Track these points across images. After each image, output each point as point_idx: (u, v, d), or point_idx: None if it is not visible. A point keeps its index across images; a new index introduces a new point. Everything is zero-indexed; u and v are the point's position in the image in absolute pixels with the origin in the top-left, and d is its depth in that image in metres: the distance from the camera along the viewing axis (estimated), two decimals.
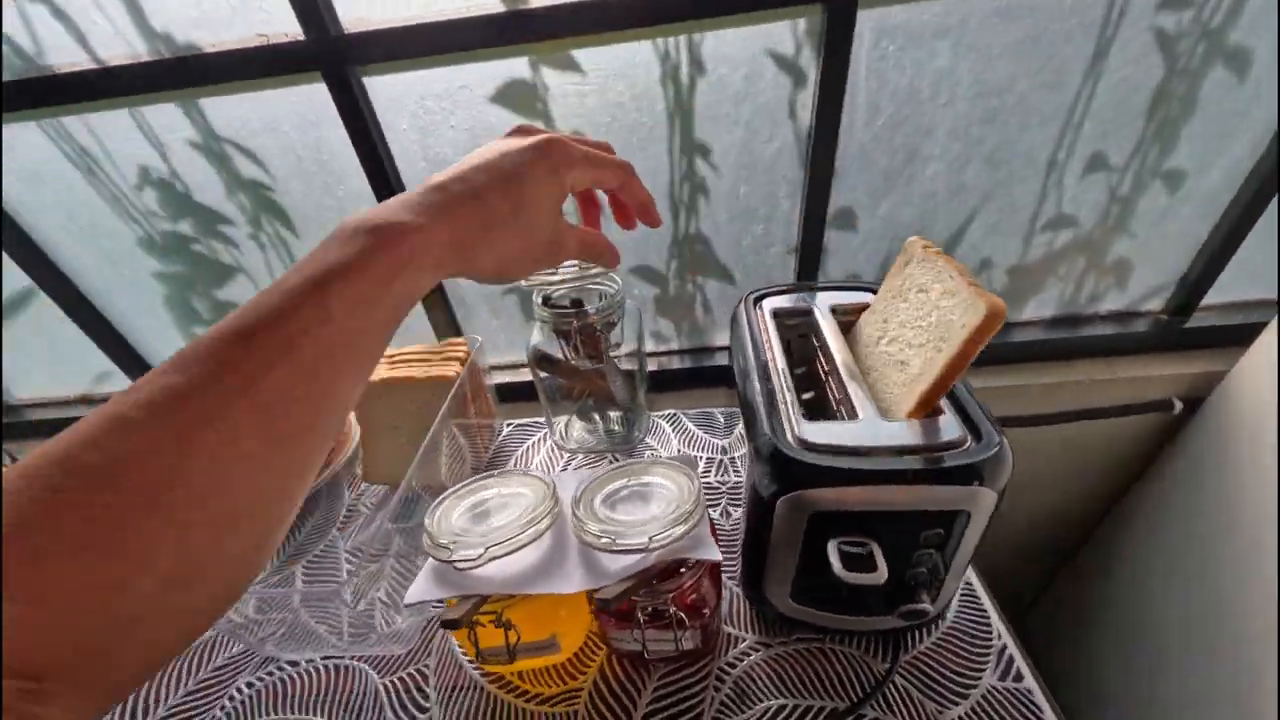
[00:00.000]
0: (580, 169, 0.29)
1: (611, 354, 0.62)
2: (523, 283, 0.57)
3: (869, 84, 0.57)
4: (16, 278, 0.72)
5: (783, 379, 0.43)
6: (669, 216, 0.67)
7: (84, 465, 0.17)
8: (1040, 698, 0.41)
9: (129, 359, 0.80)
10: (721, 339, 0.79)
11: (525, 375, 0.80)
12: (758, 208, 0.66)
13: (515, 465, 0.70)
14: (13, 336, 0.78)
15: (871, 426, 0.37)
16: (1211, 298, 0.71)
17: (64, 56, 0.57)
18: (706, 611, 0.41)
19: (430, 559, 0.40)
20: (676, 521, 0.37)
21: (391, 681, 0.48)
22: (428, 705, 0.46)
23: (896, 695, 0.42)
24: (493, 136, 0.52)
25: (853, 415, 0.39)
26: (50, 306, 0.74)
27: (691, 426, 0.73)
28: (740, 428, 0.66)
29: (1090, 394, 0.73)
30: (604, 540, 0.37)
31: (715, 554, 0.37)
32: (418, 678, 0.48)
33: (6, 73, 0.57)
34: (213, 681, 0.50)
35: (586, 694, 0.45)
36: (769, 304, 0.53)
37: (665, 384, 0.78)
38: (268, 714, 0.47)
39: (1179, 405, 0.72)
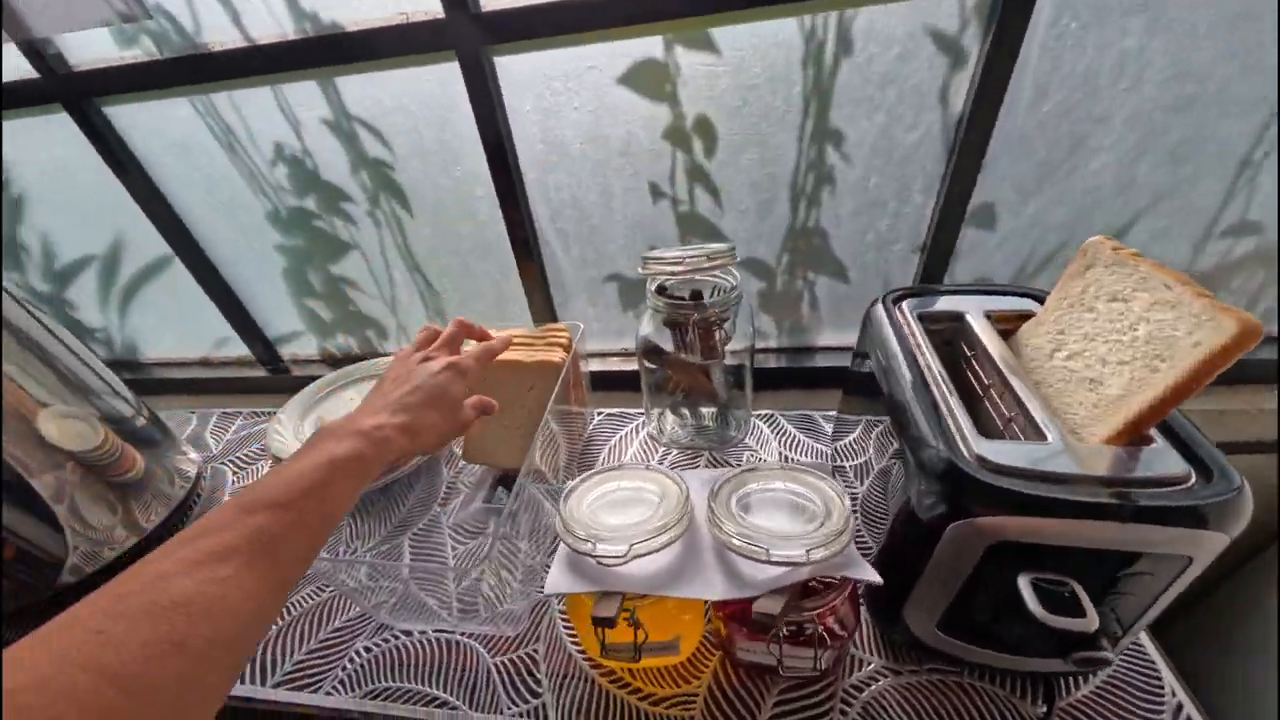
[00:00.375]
0: (473, 372, 0.42)
1: (723, 351, 0.59)
2: (639, 269, 0.55)
3: (1040, 65, 0.51)
4: (157, 245, 0.77)
5: (944, 389, 0.39)
6: (788, 206, 0.63)
7: (125, 612, 0.22)
8: None
9: (247, 325, 0.85)
10: (826, 339, 0.75)
11: (616, 365, 0.79)
12: (887, 201, 0.61)
13: (609, 456, 0.70)
14: (148, 300, 0.85)
15: (1066, 451, 0.33)
16: None
17: (219, 35, 0.59)
18: (845, 634, 0.39)
19: (563, 549, 0.40)
20: (832, 537, 0.35)
21: (502, 662, 0.48)
22: (540, 691, 0.46)
23: None
24: (616, 120, 0.57)
25: (1034, 436, 0.35)
26: (183, 274, 0.79)
27: (791, 429, 0.69)
28: (857, 433, 0.62)
29: (1257, 424, 0.64)
30: (751, 548, 0.35)
31: (873, 576, 0.35)
32: (528, 661, 0.48)
33: (166, 49, 0.61)
34: (333, 642, 0.52)
35: (702, 699, 0.44)
36: (911, 306, 0.49)
37: (763, 383, 0.75)
38: (386, 679, 0.48)
39: None
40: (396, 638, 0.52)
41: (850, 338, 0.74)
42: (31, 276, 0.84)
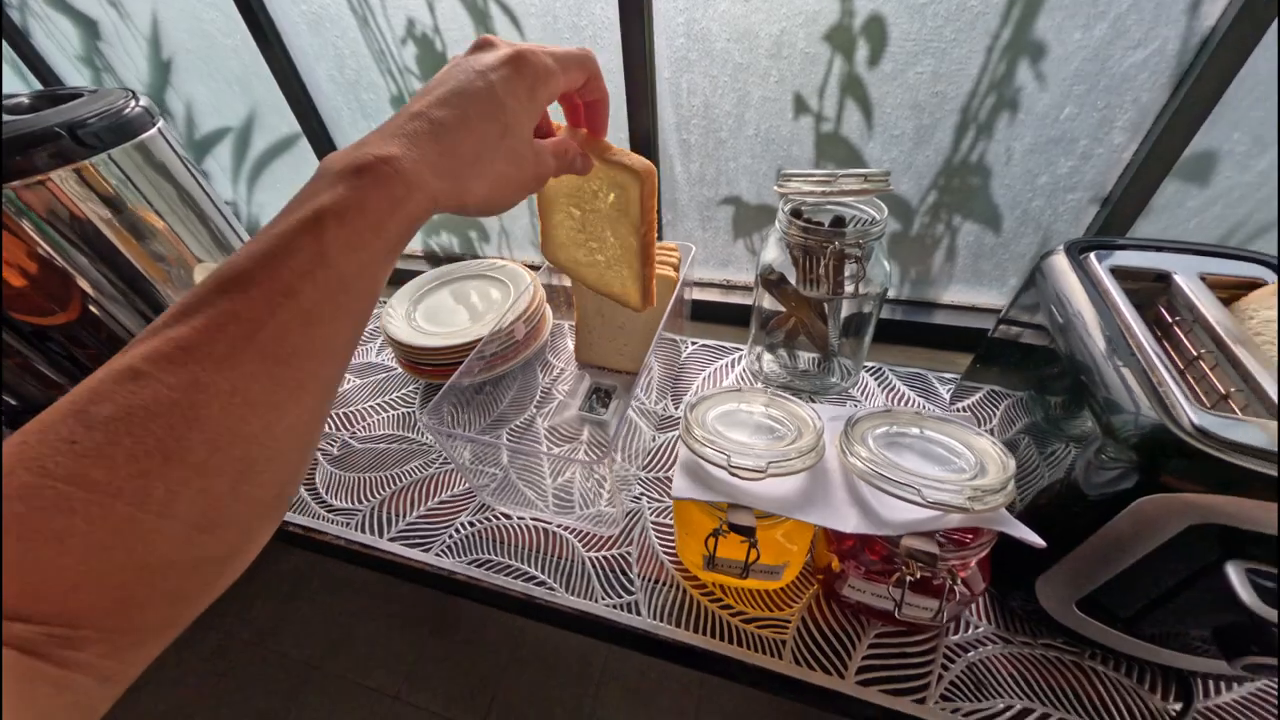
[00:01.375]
0: (554, 81, 0.27)
1: (845, 290, 0.55)
2: (775, 187, 0.51)
3: None
4: (288, 121, 0.79)
5: (1151, 353, 0.34)
6: (950, 135, 0.56)
7: (100, 418, 0.17)
8: None
9: None
10: (954, 295, 0.68)
11: (715, 295, 0.76)
12: (1078, 138, 0.53)
13: (702, 386, 0.69)
14: (275, 177, 0.88)
15: None
16: None
17: None
18: (971, 592, 0.37)
19: (686, 456, 0.39)
20: (994, 490, 0.32)
21: (596, 558, 0.50)
22: (633, 589, 0.48)
23: None
24: (774, 13, 0.40)
25: (1260, 414, 0.30)
26: (309, 153, 0.81)
27: (902, 386, 0.65)
28: (979, 398, 0.58)
29: None
30: (904, 489, 0.33)
31: (1036, 539, 0.32)
32: (622, 561, 0.50)
33: None
34: (441, 511, 0.56)
35: (795, 627, 0.44)
36: (1102, 260, 0.42)
37: (858, 331, 0.70)
38: (489, 552, 0.52)
39: None
40: (498, 518, 0.55)
41: (984, 297, 0.67)
42: None
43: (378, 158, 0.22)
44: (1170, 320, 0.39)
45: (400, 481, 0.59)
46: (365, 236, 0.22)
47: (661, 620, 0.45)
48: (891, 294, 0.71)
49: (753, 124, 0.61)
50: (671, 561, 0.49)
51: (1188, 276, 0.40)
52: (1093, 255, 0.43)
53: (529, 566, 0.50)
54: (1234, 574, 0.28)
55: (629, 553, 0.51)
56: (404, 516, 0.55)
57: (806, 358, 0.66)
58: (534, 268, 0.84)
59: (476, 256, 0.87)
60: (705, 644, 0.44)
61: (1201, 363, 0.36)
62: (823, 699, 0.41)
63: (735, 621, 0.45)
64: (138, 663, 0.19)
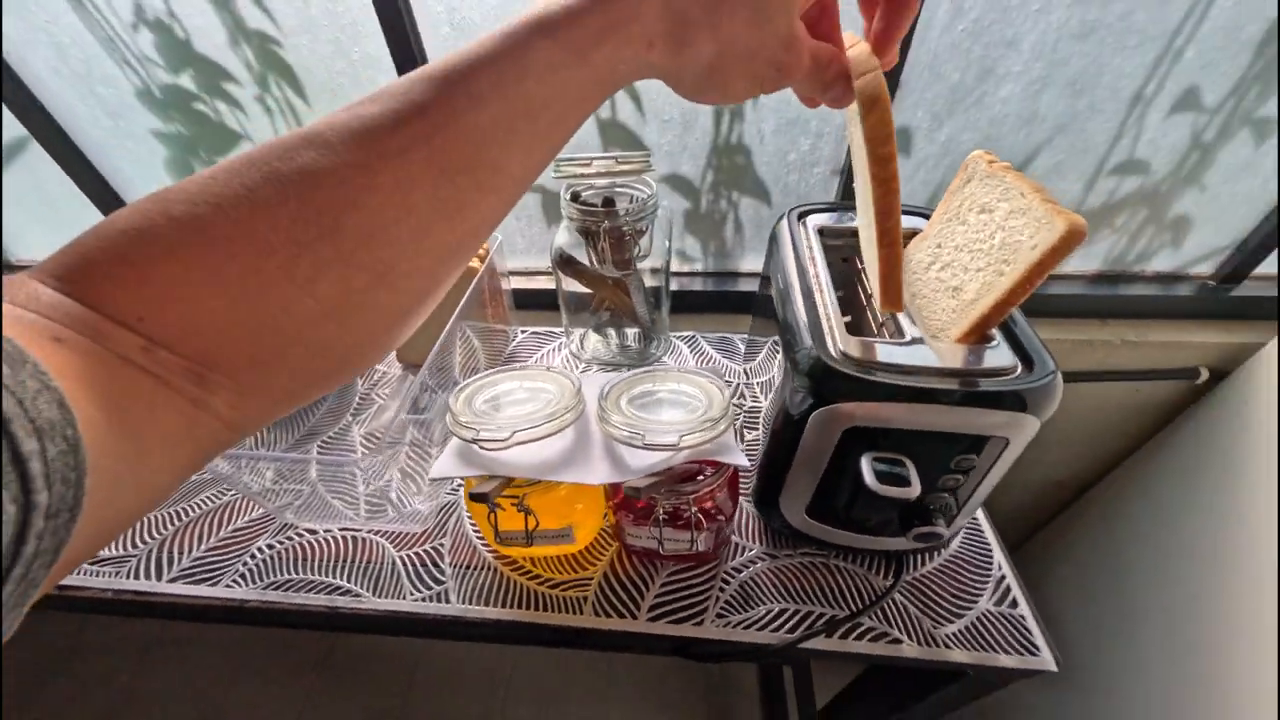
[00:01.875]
0: None
1: (638, 264, 0.59)
2: (551, 173, 0.53)
3: None
4: (10, 125, 0.67)
5: (827, 296, 0.41)
6: (711, 120, 0.62)
7: (278, 173, 0.17)
8: (1034, 627, 0.43)
9: None
10: (749, 264, 0.76)
11: (542, 283, 0.78)
12: (809, 119, 0.61)
13: None
14: (8, 191, 0.74)
15: (918, 347, 0.36)
16: (1267, 267, 0.69)
17: None
18: (722, 518, 0.42)
19: (455, 439, 0.40)
20: (705, 425, 0.37)
21: (407, 555, 0.50)
22: (443, 579, 0.48)
23: (895, 610, 0.44)
24: (529, 3, 0.45)
25: (897, 336, 0.38)
26: (48, 162, 0.69)
27: (710, 350, 0.72)
28: (764, 354, 0.65)
29: (1119, 355, 0.72)
30: (631, 435, 0.36)
31: (741, 459, 0.37)
32: (434, 554, 0.50)
33: None
34: (232, 541, 0.52)
35: (596, 583, 0.47)
36: (814, 221, 0.50)
37: (687, 305, 0.76)
38: (288, 572, 0.49)
39: (1205, 374, 0.71)
40: (301, 536, 0.52)
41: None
42: None
43: None
44: (861, 269, 0.47)
45: (185, 517, 0.54)
46: (568, 56, 0.20)
47: (471, 603, 0.46)
48: (699, 267, 0.77)
49: None
50: (483, 545, 0.50)
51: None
52: (809, 219, 0.50)
53: (333, 578, 0.48)
54: (865, 464, 0.34)
55: (442, 544, 0.51)
56: (188, 553, 0.51)
57: (631, 333, 0.70)
58: None
59: None
60: (512, 615, 0.45)
61: (873, 301, 0.43)
62: (619, 641, 0.44)
63: (542, 589, 0.47)
64: (257, 420, 0.20)
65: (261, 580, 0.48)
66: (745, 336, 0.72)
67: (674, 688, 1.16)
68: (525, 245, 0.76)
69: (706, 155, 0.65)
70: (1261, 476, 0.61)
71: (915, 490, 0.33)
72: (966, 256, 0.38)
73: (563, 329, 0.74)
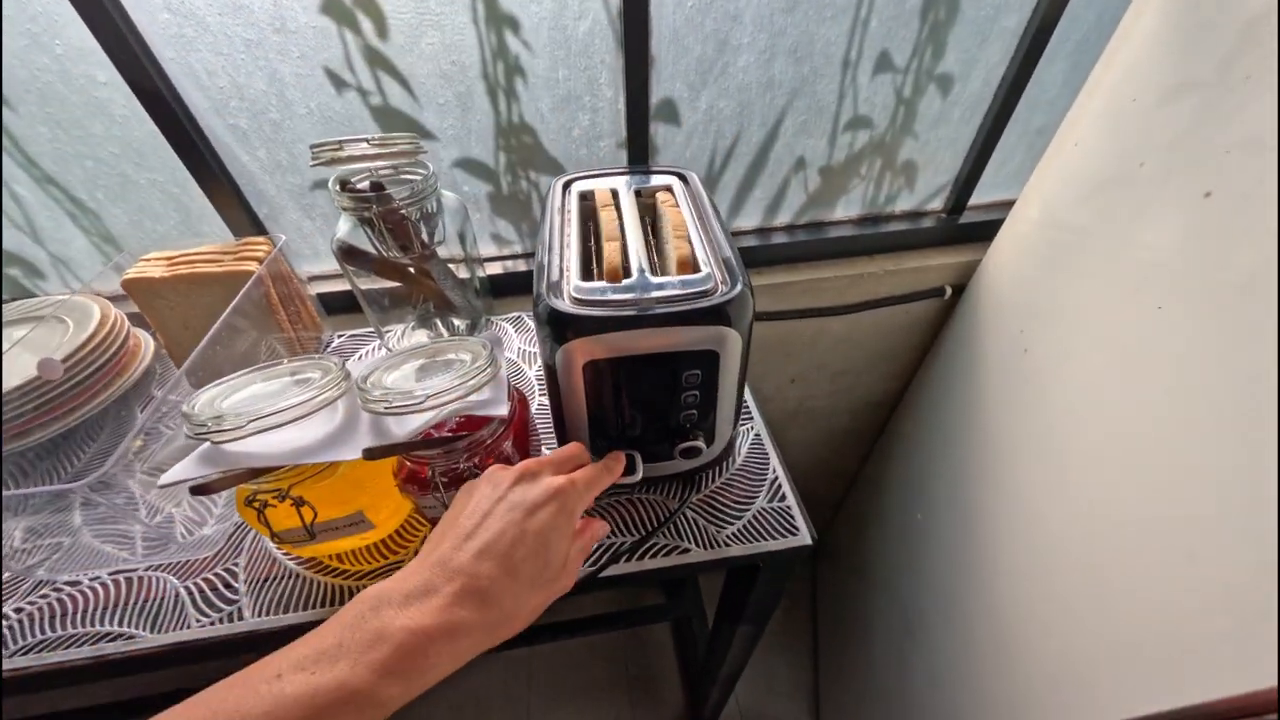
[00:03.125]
0: (584, 506, 0.32)
1: (435, 251, 0.59)
2: (311, 162, 0.51)
3: None
4: None
5: (570, 253, 0.44)
6: (487, 100, 0.63)
7: None
8: (797, 513, 0.51)
9: None
10: None
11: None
12: (582, 95, 0.64)
13: None
14: None
15: (636, 284, 0.40)
16: (978, 198, 0.84)
17: None
18: None
19: (202, 447, 0.38)
20: (459, 382, 0.38)
21: (194, 584, 0.46)
22: (235, 597, 0.45)
23: (687, 525, 0.50)
24: None
25: (625, 278, 0.42)
26: None
27: (535, 327, 0.73)
28: None
29: (885, 283, 0.85)
30: (382, 406, 0.37)
31: (501, 410, 0.39)
32: (225, 576, 0.47)
33: None
34: None
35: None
36: (577, 186, 0.53)
37: (510, 288, 0.78)
38: (45, 631, 0.43)
39: (949, 291, 0.86)
40: (59, 590, 0.46)
41: None
42: None
43: (418, 629, 0.24)
44: (619, 224, 0.51)
45: None
46: (411, 687, 0.24)
47: (267, 614, 0.44)
48: (518, 249, 0.79)
49: (300, 102, 0.60)
50: (283, 554, 0.48)
51: (627, 191, 0.52)
52: (574, 185, 0.54)
53: (102, 625, 0.44)
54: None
55: (235, 564, 0.48)
56: None
57: (458, 324, 0.70)
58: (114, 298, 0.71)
59: (31, 296, 0.69)
60: (314, 616, 0.44)
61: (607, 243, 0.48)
62: None
63: (350, 583, 0.46)
64: None
65: (9, 647, 0.42)
66: None
67: (595, 671, 1.18)
68: (326, 247, 0.73)
69: (493, 137, 0.66)
70: (986, 364, 0.76)
71: (638, 475, 0.39)
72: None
73: (389, 328, 0.72)
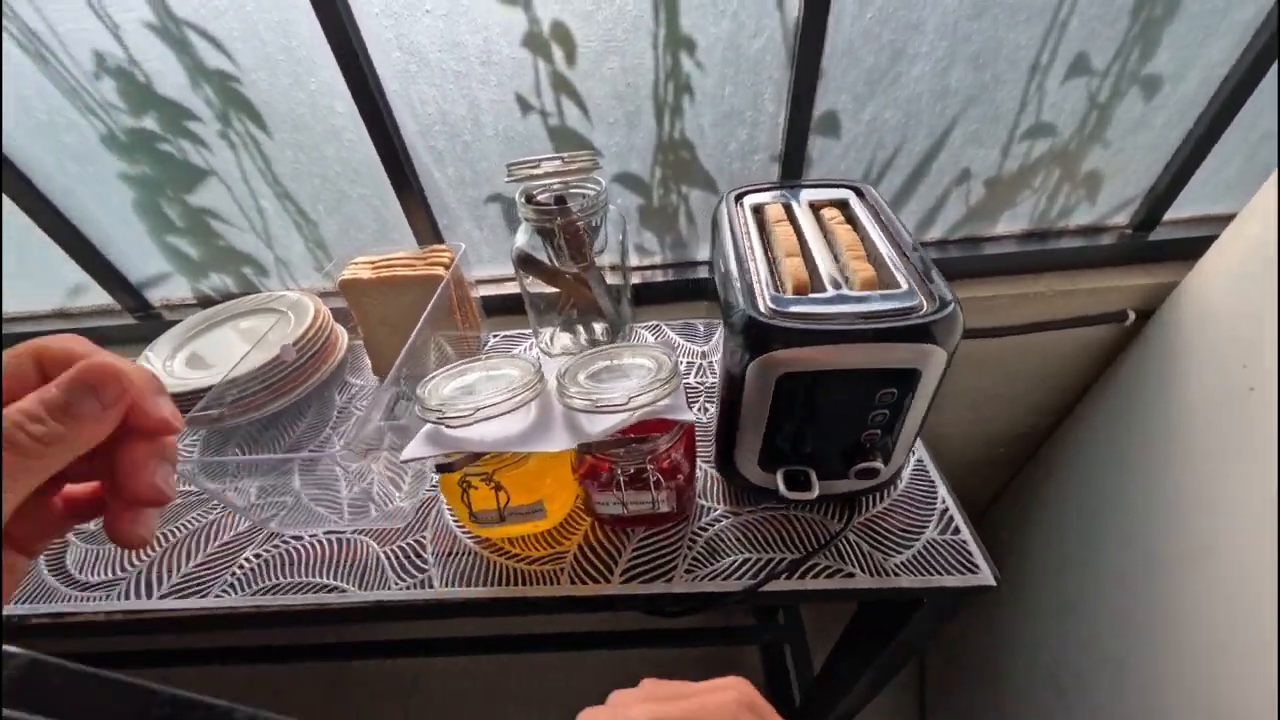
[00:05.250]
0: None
1: (595, 259, 0.63)
2: (507, 179, 0.56)
3: None
4: None
5: (757, 262, 0.44)
6: (653, 118, 0.66)
7: None
8: (974, 549, 0.47)
9: (103, 269, 0.79)
10: (704, 253, 0.80)
11: (511, 289, 0.81)
12: (744, 110, 0.65)
13: None
14: None
15: (837, 301, 0.39)
16: (1175, 212, 0.74)
17: None
18: (681, 477, 0.45)
19: (427, 428, 0.43)
20: (653, 388, 0.40)
21: (391, 550, 0.52)
22: (426, 567, 0.50)
23: (849, 548, 0.48)
24: (473, 25, 0.50)
25: (821, 290, 0.41)
26: (11, 212, 0.72)
27: (674, 336, 0.75)
28: (719, 334, 0.69)
29: (1052, 305, 0.76)
30: (584, 403, 0.40)
31: (689, 416, 0.40)
32: (416, 546, 0.52)
33: None
34: (218, 556, 0.53)
35: (571, 556, 0.50)
36: (750, 200, 0.54)
37: (650, 297, 0.80)
38: (277, 577, 0.51)
39: (1132, 316, 0.76)
40: (287, 543, 0.54)
41: None
42: None
43: None
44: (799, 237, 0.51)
45: (173, 538, 0.55)
46: None
47: (452, 586, 0.49)
48: (657, 259, 0.81)
49: (490, 125, 0.66)
50: (463, 532, 0.53)
51: (800, 204, 0.52)
52: (744, 199, 0.55)
53: (320, 578, 0.50)
54: (779, 475, 0.38)
55: (423, 537, 0.53)
56: (177, 570, 0.52)
57: (600, 328, 0.73)
58: (326, 294, 0.82)
59: (255, 292, 0.83)
60: (491, 593, 0.48)
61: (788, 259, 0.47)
62: (594, 604, 0.47)
63: (519, 566, 0.49)
64: None
65: (250, 588, 0.50)
66: (705, 321, 0.75)
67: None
68: (491, 254, 0.80)
69: (653, 153, 0.69)
70: (1189, 401, 0.65)
71: (814, 492, 0.38)
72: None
73: (531, 330, 0.77)
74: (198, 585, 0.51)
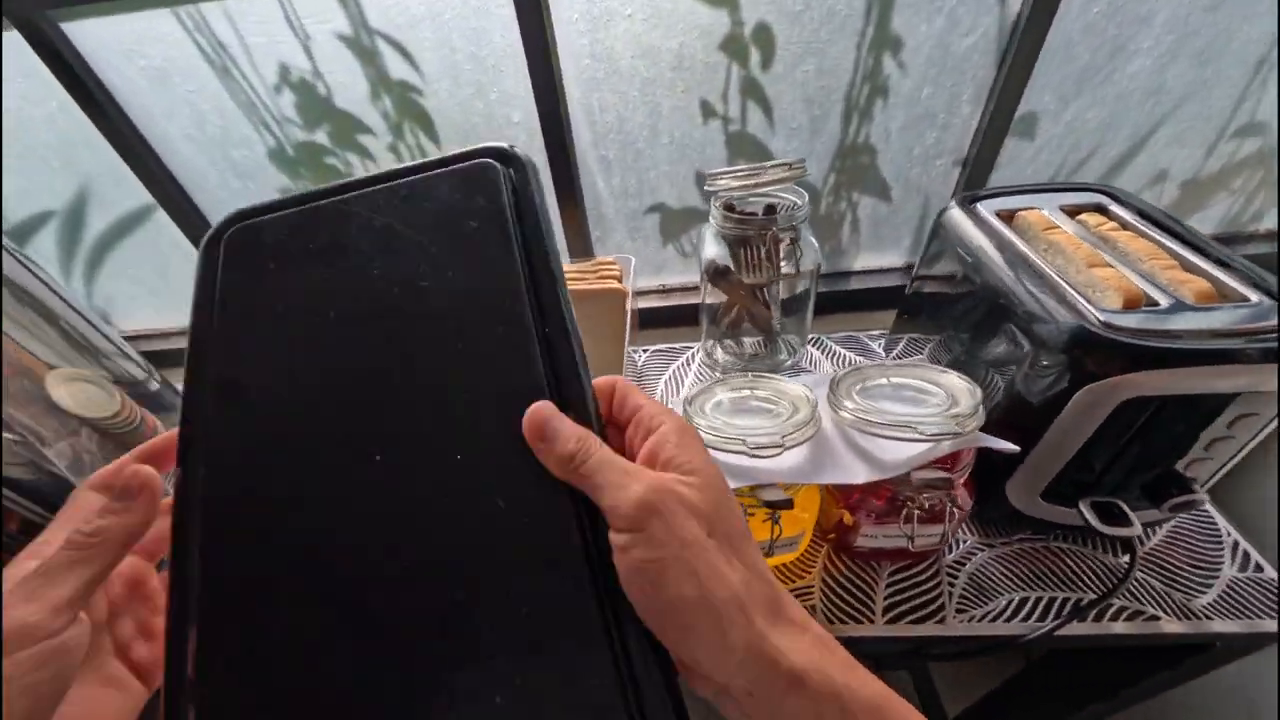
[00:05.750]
0: None
1: (783, 270, 0.60)
2: (708, 186, 0.54)
3: None
4: (133, 194, 0.68)
5: (1050, 270, 0.41)
6: (839, 123, 0.63)
7: None
8: None
9: None
10: (863, 262, 0.76)
11: (655, 301, 0.78)
12: (937, 113, 0.62)
13: (665, 389, 0.70)
14: (123, 261, 0.75)
15: (1179, 312, 0.36)
16: None
17: None
18: (964, 510, 0.42)
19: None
20: (969, 414, 0.37)
21: None
22: None
23: (1139, 587, 0.43)
24: (672, 30, 0.52)
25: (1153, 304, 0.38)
26: (165, 228, 0.71)
27: (838, 348, 0.72)
28: (902, 348, 0.65)
29: None
30: (899, 430, 0.36)
31: (1011, 446, 0.37)
32: None
33: None
34: None
35: (818, 590, 0.46)
36: (989, 206, 0.50)
37: (801, 308, 0.77)
38: None
39: None
40: None
41: (885, 259, 0.76)
42: None
43: None
44: (1048, 243, 0.48)
45: None
46: None
47: None
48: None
49: (666, 133, 0.64)
50: None
51: (1051, 209, 0.48)
52: (979, 205, 0.51)
53: None
54: (1084, 507, 0.34)
55: None
56: None
57: (750, 342, 0.70)
58: None
59: None
60: None
61: (1094, 270, 0.44)
62: (859, 645, 0.43)
63: None
64: None
65: None
66: (879, 333, 0.72)
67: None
68: (639, 265, 0.77)
69: (831, 158, 0.66)
70: None
71: (1136, 528, 0.34)
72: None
73: (694, 344, 0.74)
74: None
